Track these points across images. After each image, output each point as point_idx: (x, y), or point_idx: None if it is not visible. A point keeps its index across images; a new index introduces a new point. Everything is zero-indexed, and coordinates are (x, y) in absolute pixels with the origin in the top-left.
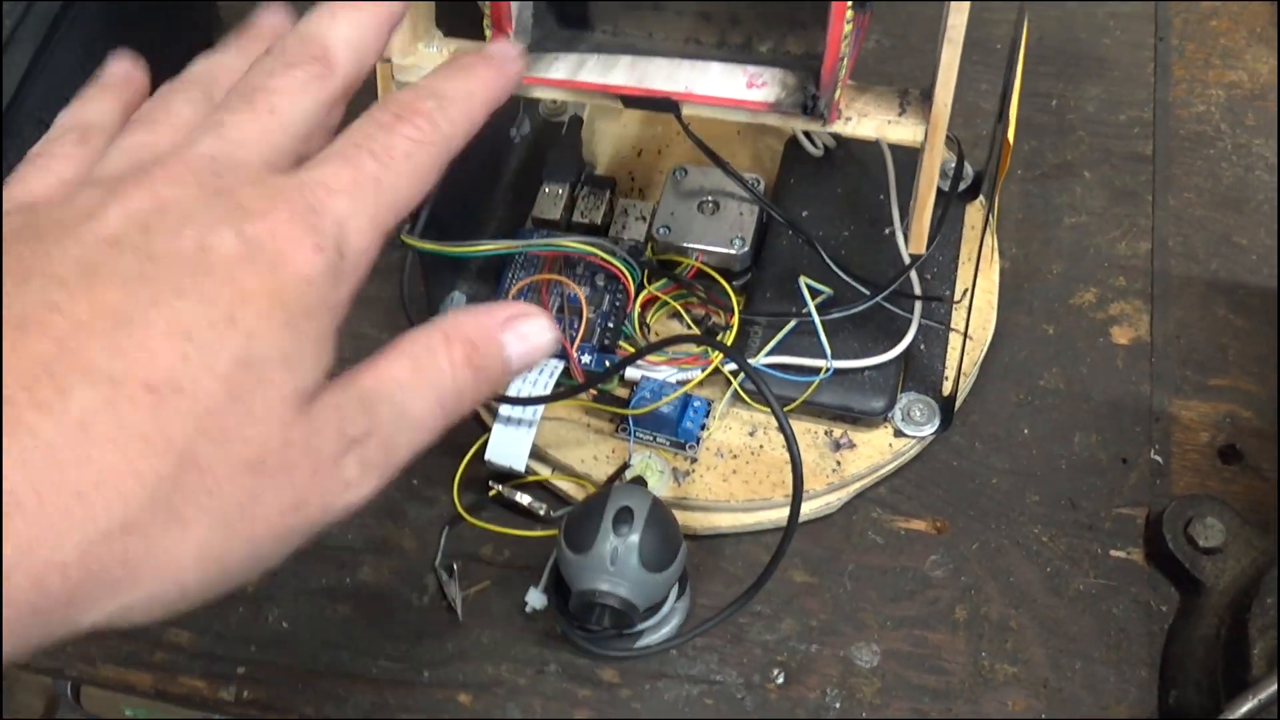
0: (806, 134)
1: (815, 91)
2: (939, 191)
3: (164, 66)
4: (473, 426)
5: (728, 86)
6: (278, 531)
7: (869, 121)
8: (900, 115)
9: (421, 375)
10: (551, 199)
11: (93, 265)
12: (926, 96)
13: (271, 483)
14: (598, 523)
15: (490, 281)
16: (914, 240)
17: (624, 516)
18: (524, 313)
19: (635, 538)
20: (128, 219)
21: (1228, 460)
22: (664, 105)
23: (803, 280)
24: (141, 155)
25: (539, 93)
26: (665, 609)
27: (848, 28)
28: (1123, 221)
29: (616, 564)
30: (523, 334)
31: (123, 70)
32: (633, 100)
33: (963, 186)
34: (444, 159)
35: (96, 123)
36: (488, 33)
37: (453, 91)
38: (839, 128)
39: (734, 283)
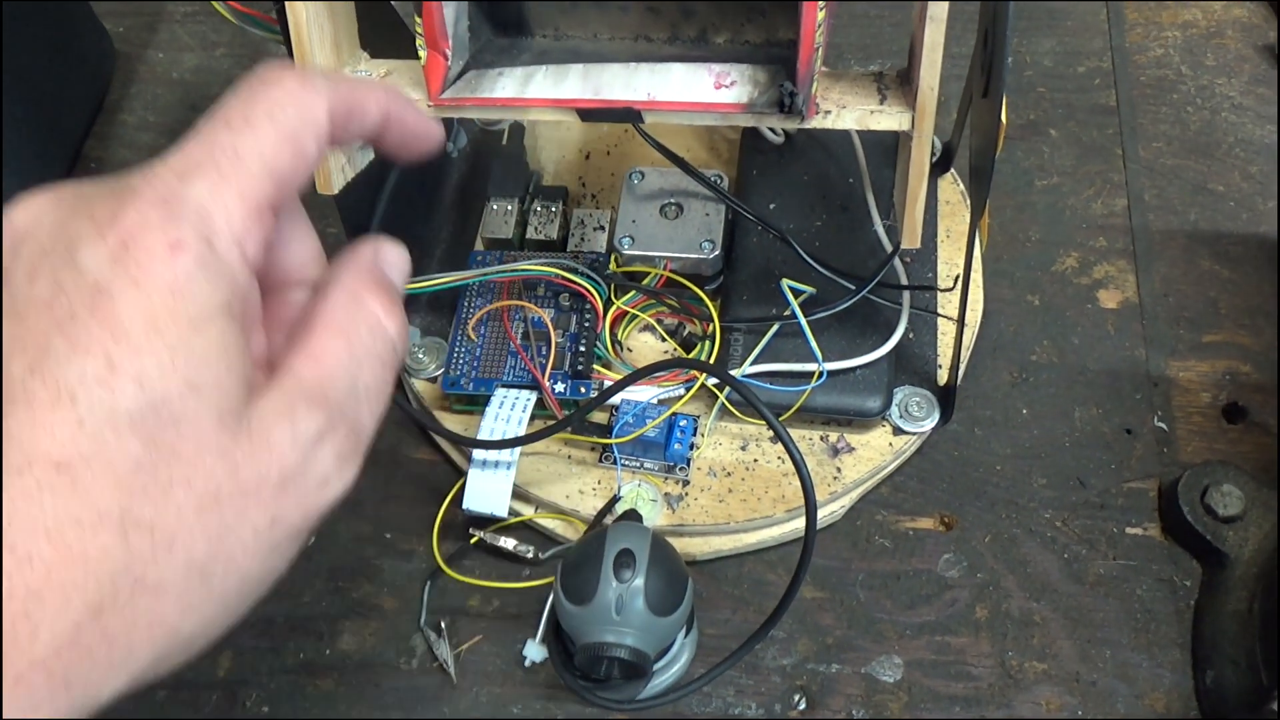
0: None
1: (792, 87)
2: None
3: (63, 106)
4: (445, 471)
5: (694, 89)
6: (261, 551)
7: (849, 113)
8: (882, 103)
9: (358, 343)
10: (500, 216)
11: None
12: (904, 79)
13: (233, 511)
14: (597, 570)
15: (444, 312)
16: (908, 234)
17: (624, 560)
18: (381, 242)
19: (639, 582)
20: None
21: (1232, 419)
22: (625, 116)
23: (785, 283)
24: None
25: (486, 114)
26: (674, 648)
27: (821, 15)
28: (1095, 179)
29: (622, 613)
30: (393, 263)
31: None
32: (590, 113)
33: (932, 160)
34: (313, 123)
35: None
36: (421, 53)
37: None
38: (818, 123)
39: (706, 288)
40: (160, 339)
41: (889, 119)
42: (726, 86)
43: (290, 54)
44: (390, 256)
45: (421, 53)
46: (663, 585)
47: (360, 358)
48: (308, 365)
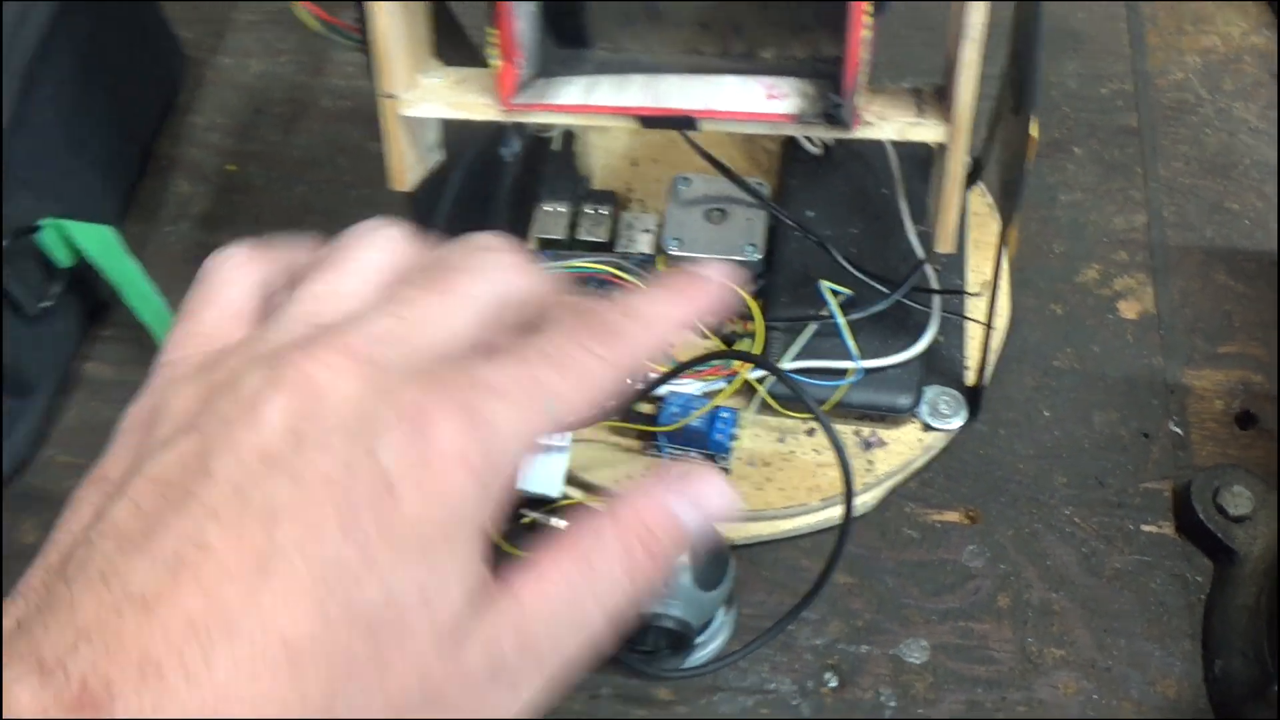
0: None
1: (838, 100)
2: None
3: (138, 107)
4: None
5: (746, 100)
6: None
7: (889, 125)
8: (919, 116)
9: (592, 583)
10: (553, 218)
11: (244, 491)
12: (940, 94)
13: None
14: None
15: None
16: (942, 240)
17: None
18: (694, 474)
19: (685, 557)
20: (283, 420)
21: (1244, 426)
22: (683, 123)
23: (824, 284)
24: (315, 316)
25: (553, 119)
26: (715, 623)
27: (867, 32)
28: (1116, 196)
29: (669, 585)
30: (698, 499)
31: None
32: (651, 120)
33: None
34: (622, 379)
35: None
36: (494, 62)
37: (658, 316)
38: (861, 133)
39: (748, 289)
40: (420, 547)
41: (927, 131)
42: (777, 98)
43: (369, 62)
44: (703, 489)
45: (494, 62)
46: (707, 561)
47: (585, 599)
48: (529, 588)
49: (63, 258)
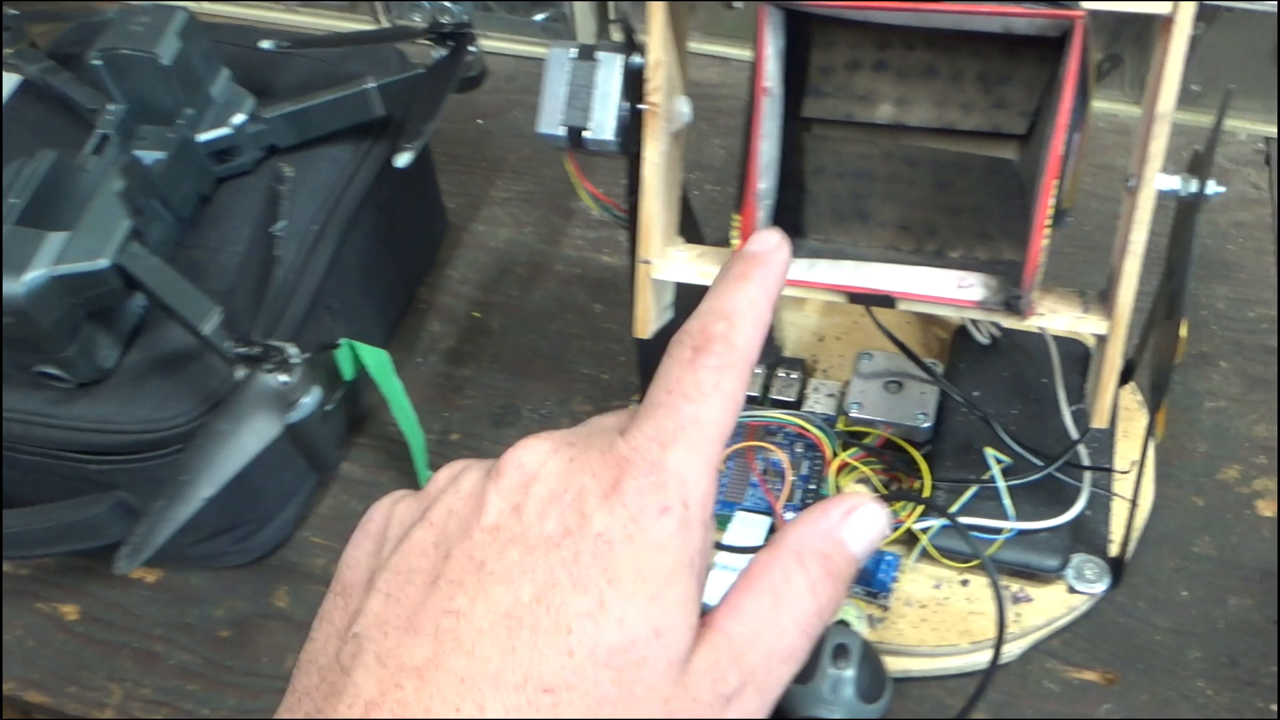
0: (975, 325)
1: (1019, 292)
2: None
3: (410, 259)
4: None
5: (940, 287)
6: None
7: (1060, 317)
8: (1085, 313)
9: (783, 607)
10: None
11: (481, 562)
12: (1102, 298)
13: None
14: (817, 656)
15: None
16: (1098, 416)
17: (841, 652)
18: (856, 504)
19: (851, 672)
20: (502, 500)
21: None
22: (885, 301)
23: (988, 451)
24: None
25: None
26: None
27: (1045, 240)
28: (1259, 406)
29: (835, 694)
30: (861, 526)
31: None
32: (858, 296)
33: None
34: (748, 373)
35: None
36: (734, 242)
37: (736, 306)
38: (1035, 321)
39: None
40: (643, 587)
41: (1092, 324)
42: (965, 288)
43: (631, 236)
44: (863, 516)
45: (734, 241)
46: (870, 677)
47: (781, 621)
48: (731, 621)
49: (348, 371)
